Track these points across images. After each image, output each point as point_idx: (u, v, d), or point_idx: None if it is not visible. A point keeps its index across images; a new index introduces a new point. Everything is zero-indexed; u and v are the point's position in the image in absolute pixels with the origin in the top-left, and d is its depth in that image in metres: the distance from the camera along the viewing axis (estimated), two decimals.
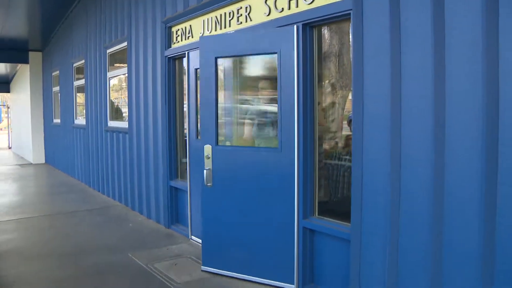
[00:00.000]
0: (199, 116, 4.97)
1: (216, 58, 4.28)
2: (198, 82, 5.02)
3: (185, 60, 5.58)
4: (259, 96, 4.62)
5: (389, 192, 3.10)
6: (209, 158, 4.22)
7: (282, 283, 4.02)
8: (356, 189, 3.32)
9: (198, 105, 5.02)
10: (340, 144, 4.11)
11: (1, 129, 37.97)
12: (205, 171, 4.25)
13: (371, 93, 3.20)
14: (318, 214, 3.96)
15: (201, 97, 4.26)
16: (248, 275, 4.18)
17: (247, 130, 4.60)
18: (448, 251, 2.80)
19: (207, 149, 4.25)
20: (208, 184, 4.25)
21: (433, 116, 2.86)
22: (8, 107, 25.10)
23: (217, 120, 4.28)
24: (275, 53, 3.93)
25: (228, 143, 4.56)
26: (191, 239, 5.44)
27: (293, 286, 3.99)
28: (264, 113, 4.52)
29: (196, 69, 5.23)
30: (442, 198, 2.82)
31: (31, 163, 14.39)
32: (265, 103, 4.54)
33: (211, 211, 4.33)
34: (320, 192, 4.02)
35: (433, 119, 2.86)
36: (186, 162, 5.55)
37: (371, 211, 3.23)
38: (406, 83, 2.99)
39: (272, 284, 4.06)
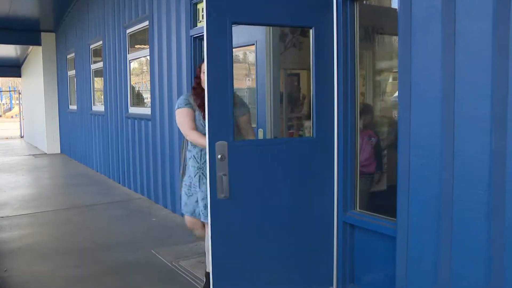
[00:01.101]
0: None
1: (231, 24, 3.40)
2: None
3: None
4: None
5: (439, 183, 3.07)
6: (223, 159, 3.35)
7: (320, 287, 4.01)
8: (403, 180, 3.30)
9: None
10: (385, 132, 4.11)
11: (12, 117, 38.80)
12: (217, 178, 3.35)
13: (420, 72, 3.16)
14: (359, 208, 3.98)
15: (209, 75, 3.31)
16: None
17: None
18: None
19: (221, 147, 3.35)
20: (222, 196, 3.36)
21: (492, 94, 2.75)
22: (19, 93, 25.46)
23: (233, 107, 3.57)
24: (310, 27, 3.80)
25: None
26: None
27: (332, 287, 4.01)
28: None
29: None
30: (503, 186, 2.75)
31: (45, 153, 14.67)
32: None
33: (226, 235, 3.47)
34: (362, 185, 4.02)
35: (492, 97, 2.76)
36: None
37: (420, 204, 3.20)
38: (461, 56, 2.91)
39: None
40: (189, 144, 3.99)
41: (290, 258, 3.78)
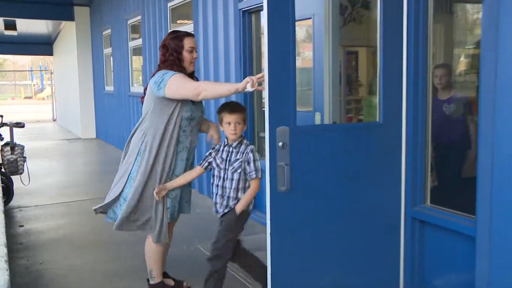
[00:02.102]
0: None
1: None
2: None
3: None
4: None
5: None
6: (285, 147, 3.28)
7: None
8: (484, 172, 3.16)
9: None
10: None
11: (43, 99, 39.63)
12: (278, 168, 3.27)
13: (509, 47, 3.02)
14: (431, 202, 3.89)
15: (269, 52, 3.20)
16: None
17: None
18: None
19: (282, 133, 3.27)
20: (283, 188, 3.30)
21: None
22: (51, 73, 25.88)
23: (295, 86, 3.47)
24: None
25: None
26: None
27: None
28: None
29: None
30: None
31: (80, 138, 14.96)
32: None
33: (286, 233, 3.43)
34: (434, 176, 3.93)
35: None
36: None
37: (505, 200, 3.07)
38: None
39: None
40: (182, 132, 3.92)
41: (351, 257, 3.73)
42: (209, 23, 6.81)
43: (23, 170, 6.85)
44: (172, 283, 4.25)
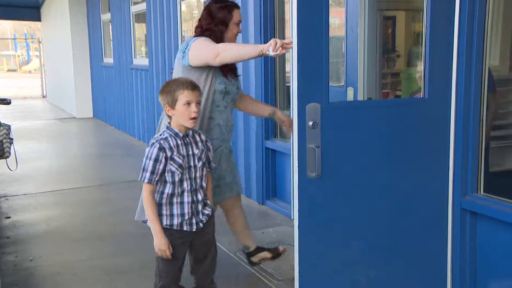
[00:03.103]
0: None
1: None
2: None
3: None
4: None
5: None
6: (315, 127, 3.22)
7: None
8: None
9: None
10: None
11: (30, 72, 39.68)
12: (308, 150, 3.22)
13: None
14: (484, 191, 3.85)
15: (299, 10, 3.10)
16: None
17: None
18: None
19: (313, 111, 3.21)
20: (313, 175, 3.26)
21: None
22: (39, 42, 25.72)
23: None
24: None
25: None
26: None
27: None
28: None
29: None
30: None
31: (74, 117, 15.05)
32: None
33: (317, 224, 3.40)
34: (488, 161, 3.89)
35: None
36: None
37: None
38: None
39: None
40: (215, 108, 3.97)
41: (390, 254, 3.72)
42: None
43: (10, 153, 6.80)
44: (269, 254, 4.48)
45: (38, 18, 22.26)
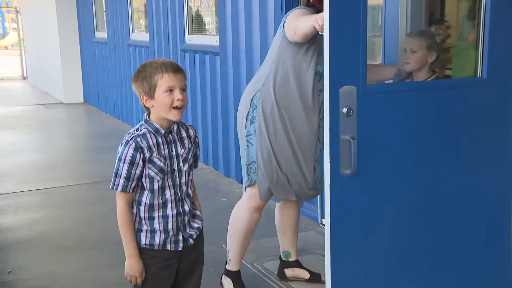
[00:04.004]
0: None
1: None
2: None
3: None
4: None
5: None
6: (351, 114, 3.19)
7: None
8: None
9: None
10: None
11: (6, 48, 39.66)
12: (342, 142, 3.19)
13: None
14: None
15: None
16: None
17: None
18: None
19: (347, 96, 3.17)
20: (347, 172, 3.23)
21: None
22: (17, 12, 25.55)
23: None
24: None
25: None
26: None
27: None
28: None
29: None
30: None
31: (62, 102, 15.11)
32: None
33: (349, 229, 3.38)
34: None
35: None
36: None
37: None
38: None
39: None
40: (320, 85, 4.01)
41: (439, 261, 3.70)
42: None
43: None
44: (307, 275, 4.59)
45: None
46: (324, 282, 3.81)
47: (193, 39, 8.41)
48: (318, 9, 3.93)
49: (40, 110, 14.07)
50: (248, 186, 4.33)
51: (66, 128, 11.94)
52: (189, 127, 3.27)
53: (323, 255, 3.68)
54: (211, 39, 7.80)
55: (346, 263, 3.37)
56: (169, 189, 3.13)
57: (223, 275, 4.48)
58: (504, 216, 3.85)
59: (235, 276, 4.41)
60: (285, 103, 4.07)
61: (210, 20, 8.65)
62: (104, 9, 12.66)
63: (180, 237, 3.19)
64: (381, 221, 3.46)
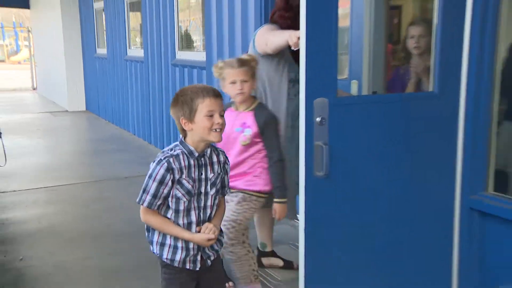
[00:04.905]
0: None
1: None
2: None
3: None
4: None
5: None
6: (323, 123, 3.22)
7: None
8: None
9: None
10: None
11: (19, 63, 39.54)
12: (315, 148, 3.23)
13: None
14: (494, 190, 3.83)
15: (308, 5, 3.13)
16: None
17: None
18: None
19: (320, 106, 3.20)
20: (319, 174, 3.25)
21: None
22: (28, 31, 25.59)
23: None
24: None
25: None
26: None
27: None
28: None
29: None
30: None
31: (66, 110, 15.04)
32: None
33: (320, 225, 3.38)
34: (500, 158, 3.89)
35: None
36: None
37: None
38: None
39: None
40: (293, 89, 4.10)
41: (396, 254, 3.72)
42: None
43: None
44: (281, 263, 4.67)
45: (26, 6, 21.82)
46: (297, 268, 3.85)
47: (182, 55, 8.39)
48: (281, 25, 4.05)
49: (47, 117, 13.99)
50: None
51: (70, 133, 11.89)
52: (220, 152, 3.04)
53: (296, 246, 3.72)
54: (198, 55, 7.80)
55: (317, 252, 3.38)
56: (194, 210, 2.90)
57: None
58: (450, 212, 3.88)
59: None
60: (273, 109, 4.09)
61: (197, 38, 8.66)
62: (105, 28, 12.60)
63: (199, 257, 2.96)
64: (348, 216, 3.46)
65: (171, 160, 2.80)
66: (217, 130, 2.81)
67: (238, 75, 3.51)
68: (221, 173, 3.00)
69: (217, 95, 2.86)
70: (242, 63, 3.52)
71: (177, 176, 2.80)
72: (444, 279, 3.93)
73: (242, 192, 3.84)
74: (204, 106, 2.79)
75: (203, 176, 2.89)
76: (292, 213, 4.36)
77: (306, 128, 3.19)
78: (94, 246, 5.21)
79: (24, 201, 6.70)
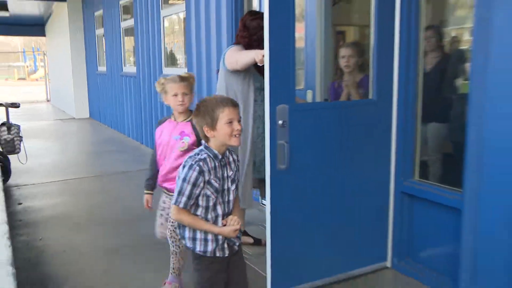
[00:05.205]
0: None
1: None
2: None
3: None
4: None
5: None
6: (284, 126, 3.30)
7: (373, 265, 3.96)
8: (474, 145, 3.13)
9: None
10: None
11: (37, 80, 39.26)
12: (278, 146, 3.31)
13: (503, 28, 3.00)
14: (419, 177, 3.90)
15: (271, 30, 3.19)
16: (333, 275, 3.82)
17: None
18: None
19: (282, 111, 3.29)
20: (281, 167, 3.32)
21: None
22: (44, 54, 25.61)
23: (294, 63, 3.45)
24: None
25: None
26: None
27: (386, 262, 3.98)
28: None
29: None
30: None
31: (74, 118, 14.87)
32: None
33: (283, 208, 3.43)
34: (424, 152, 3.93)
35: None
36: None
37: (495, 171, 3.04)
38: None
39: (362, 273, 3.91)
40: (254, 101, 4.07)
41: (346, 231, 3.76)
42: (201, 2, 6.73)
43: (20, 149, 6.85)
44: (251, 240, 4.55)
45: (43, 34, 22.07)
46: (264, 245, 3.85)
47: (168, 71, 8.32)
48: (245, 45, 4.04)
49: (58, 124, 13.85)
50: None
51: (77, 136, 11.76)
52: (233, 152, 2.85)
53: (264, 226, 3.71)
54: (181, 71, 7.71)
55: (281, 231, 3.42)
56: (220, 205, 2.72)
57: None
58: (387, 195, 3.93)
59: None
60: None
61: (180, 56, 8.63)
62: (104, 50, 12.53)
63: (226, 245, 2.75)
64: (305, 201, 3.52)
65: (201, 164, 2.62)
66: (237, 135, 2.65)
67: (180, 88, 3.39)
68: (237, 170, 2.84)
69: (235, 104, 2.69)
70: (182, 79, 3.44)
71: (207, 178, 2.63)
72: (382, 246, 3.98)
73: None
74: (224, 115, 2.62)
75: (225, 175, 2.73)
76: (249, 203, 4.28)
77: (271, 129, 3.26)
78: (98, 229, 5.16)
79: (41, 192, 6.61)
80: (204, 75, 6.81)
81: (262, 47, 3.91)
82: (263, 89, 3.98)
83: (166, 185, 3.54)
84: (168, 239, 3.59)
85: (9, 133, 6.77)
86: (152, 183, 3.68)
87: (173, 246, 3.60)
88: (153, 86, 8.85)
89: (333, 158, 3.58)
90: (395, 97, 3.80)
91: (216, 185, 2.68)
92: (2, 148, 6.78)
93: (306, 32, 5.20)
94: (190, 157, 2.69)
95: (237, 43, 4.14)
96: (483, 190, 3.13)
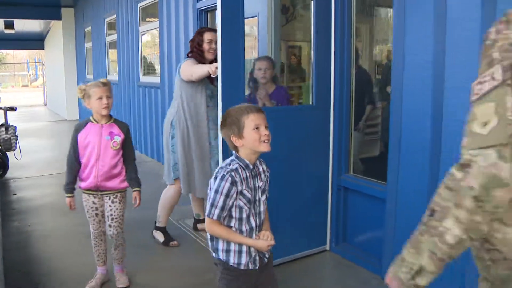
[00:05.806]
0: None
1: None
2: None
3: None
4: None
5: (429, 149, 2.96)
6: None
7: (314, 249, 3.92)
8: (394, 146, 3.20)
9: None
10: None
11: (37, 86, 38.70)
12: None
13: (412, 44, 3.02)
14: (353, 172, 3.89)
15: (223, 45, 3.12)
16: (278, 258, 3.70)
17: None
18: None
19: None
20: None
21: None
22: (43, 64, 25.36)
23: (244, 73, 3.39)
24: None
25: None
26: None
27: (325, 246, 3.95)
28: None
29: None
30: None
31: (66, 119, 14.62)
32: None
33: None
34: (356, 150, 3.92)
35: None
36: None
37: (409, 169, 3.11)
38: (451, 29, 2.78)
39: (304, 255, 3.87)
40: (207, 106, 4.00)
41: (290, 220, 3.70)
42: (172, 20, 6.67)
43: (16, 147, 6.84)
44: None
45: (42, 47, 22.17)
46: None
47: (144, 79, 8.25)
48: (198, 59, 3.97)
49: (52, 124, 13.64)
50: (175, 179, 4.11)
51: (68, 136, 11.24)
52: (263, 162, 2.40)
53: None
54: (155, 78, 7.68)
55: None
56: (253, 217, 2.29)
57: (154, 230, 4.32)
58: (326, 188, 3.90)
59: (163, 230, 4.26)
60: (193, 120, 4.00)
61: (158, 66, 8.54)
62: (92, 60, 12.41)
63: (257, 257, 2.31)
64: None
65: (233, 174, 2.19)
66: (266, 141, 2.23)
67: (104, 91, 3.16)
68: (267, 180, 2.40)
69: (259, 110, 2.29)
70: (104, 83, 3.21)
71: (239, 188, 2.20)
72: (322, 232, 3.95)
73: (120, 192, 3.37)
74: (250, 121, 2.21)
75: (256, 185, 2.29)
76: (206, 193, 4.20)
77: None
78: (82, 216, 4.99)
79: (33, 184, 6.48)
80: (174, 81, 6.74)
81: (204, 58, 3.96)
82: (214, 96, 3.96)
83: (109, 184, 3.30)
84: (115, 234, 3.40)
85: (6, 133, 6.73)
86: (72, 187, 3.43)
87: (119, 239, 3.46)
88: (131, 92, 8.76)
89: (280, 155, 3.49)
90: (332, 103, 3.78)
91: (249, 195, 2.26)
92: (1, 146, 6.70)
93: (258, 47, 5.16)
94: (221, 167, 2.27)
95: (190, 57, 4.05)
96: (400, 183, 3.18)
